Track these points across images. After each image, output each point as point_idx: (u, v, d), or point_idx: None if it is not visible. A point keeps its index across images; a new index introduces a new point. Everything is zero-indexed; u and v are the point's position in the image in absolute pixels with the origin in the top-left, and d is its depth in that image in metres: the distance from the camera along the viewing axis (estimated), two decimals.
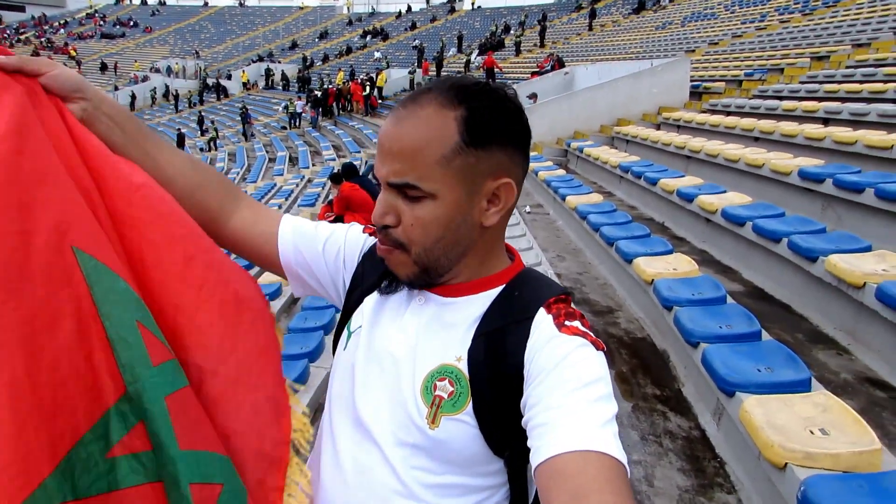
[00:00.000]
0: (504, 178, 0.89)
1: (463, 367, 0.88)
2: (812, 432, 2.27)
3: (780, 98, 9.75)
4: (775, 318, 4.04)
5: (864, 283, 3.35)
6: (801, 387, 2.59)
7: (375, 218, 0.88)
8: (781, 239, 4.30)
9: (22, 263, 0.68)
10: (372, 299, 1.02)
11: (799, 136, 7.04)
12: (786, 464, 2.14)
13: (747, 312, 3.34)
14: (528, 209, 8.37)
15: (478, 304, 0.93)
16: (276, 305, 6.00)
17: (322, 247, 1.09)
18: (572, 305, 0.93)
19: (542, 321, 0.87)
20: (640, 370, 3.79)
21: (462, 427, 0.86)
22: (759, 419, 2.34)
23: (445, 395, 0.87)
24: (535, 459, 0.75)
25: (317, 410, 3.87)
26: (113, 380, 0.75)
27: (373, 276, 1.04)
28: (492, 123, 0.86)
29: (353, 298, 1.06)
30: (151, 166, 0.96)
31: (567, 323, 0.86)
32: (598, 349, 0.84)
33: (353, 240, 1.10)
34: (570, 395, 0.78)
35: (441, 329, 0.92)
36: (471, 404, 0.86)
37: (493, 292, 0.93)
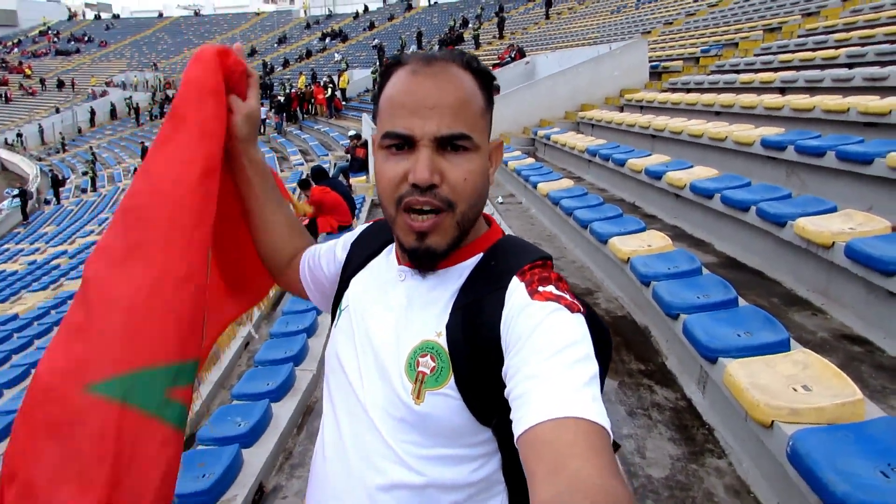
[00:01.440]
0: (496, 139, 0.97)
1: (443, 341, 0.89)
2: (795, 389, 2.32)
3: (737, 72, 9.91)
4: (750, 285, 4.11)
5: (833, 243, 3.42)
6: (781, 347, 2.64)
7: (423, 177, 0.84)
8: (749, 207, 4.38)
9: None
10: (359, 279, 1.07)
11: (758, 107, 7.17)
12: (772, 421, 2.18)
13: (723, 281, 3.40)
14: (500, 199, 8.41)
15: (456, 275, 0.94)
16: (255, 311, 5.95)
17: (322, 259, 1.19)
18: (552, 269, 0.94)
19: (516, 289, 0.88)
20: (623, 347, 3.83)
21: (446, 401, 0.88)
22: (743, 381, 2.38)
23: (428, 371, 0.89)
24: (516, 431, 0.75)
25: (305, 413, 3.85)
26: (195, 344, 1.02)
27: (360, 258, 1.10)
28: (491, 92, 0.95)
29: (343, 280, 1.11)
30: (264, 211, 1.24)
31: (540, 289, 0.86)
32: (573, 311, 0.83)
33: (346, 237, 1.18)
34: (545, 362, 0.77)
35: (422, 305, 0.94)
36: (452, 378, 0.88)
37: (471, 262, 0.95)
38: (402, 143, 0.86)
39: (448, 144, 0.86)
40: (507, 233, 1.03)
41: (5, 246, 19.28)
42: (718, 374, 2.65)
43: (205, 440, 3.25)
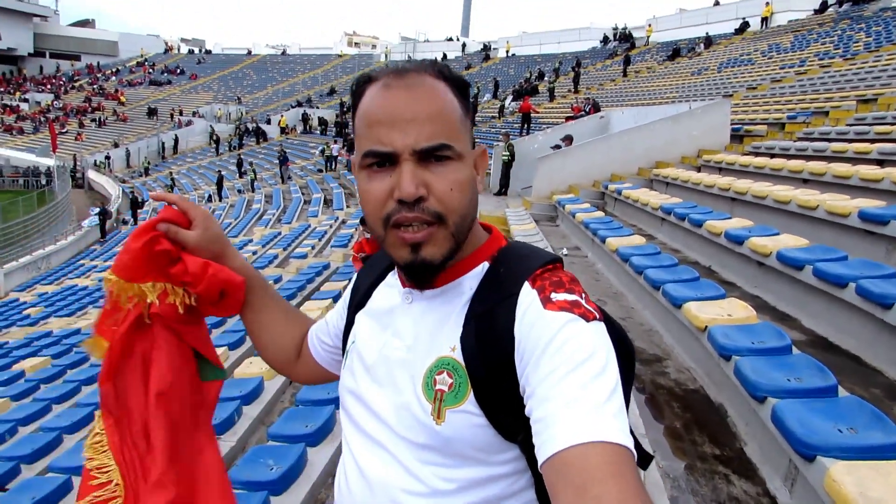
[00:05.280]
0: (479, 147, 0.93)
1: (458, 356, 0.86)
2: None
3: (828, 140, 9.41)
4: (844, 370, 3.65)
5: None
6: (895, 451, 2.24)
7: (408, 191, 0.81)
8: (848, 283, 3.94)
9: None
10: (365, 312, 1.04)
11: (854, 178, 6.68)
12: None
13: (819, 364, 3.00)
14: (565, 251, 8.10)
15: (463, 287, 0.91)
16: None
17: (332, 324, 1.16)
18: (563, 270, 0.90)
19: (527, 297, 0.84)
20: (695, 426, 3.44)
21: (467, 418, 0.85)
22: (850, 490, 2.00)
23: (446, 388, 0.86)
24: (539, 458, 0.73)
25: None
26: None
27: (363, 291, 1.06)
28: (468, 97, 0.92)
29: (349, 319, 1.07)
30: (255, 319, 1.20)
31: (553, 297, 0.83)
32: (588, 320, 0.80)
33: (350, 288, 1.13)
34: (562, 381, 0.75)
35: (432, 322, 0.91)
36: (472, 394, 0.85)
37: (477, 272, 0.92)
38: (383, 160, 0.84)
39: (430, 156, 0.83)
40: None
41: (81, 261, 20.11)
42: (817, 476, 2.27)
43: (233, 484, 3.05)
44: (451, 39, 58.85)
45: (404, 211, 0.82)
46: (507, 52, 48.00)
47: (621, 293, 6.11)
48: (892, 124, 8.92)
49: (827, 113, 11.55)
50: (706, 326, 3.76)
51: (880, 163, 7.35)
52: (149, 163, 37.68)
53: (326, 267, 10.25)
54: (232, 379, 4.85)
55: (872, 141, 8.33)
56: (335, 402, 3.95)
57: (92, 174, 37.16)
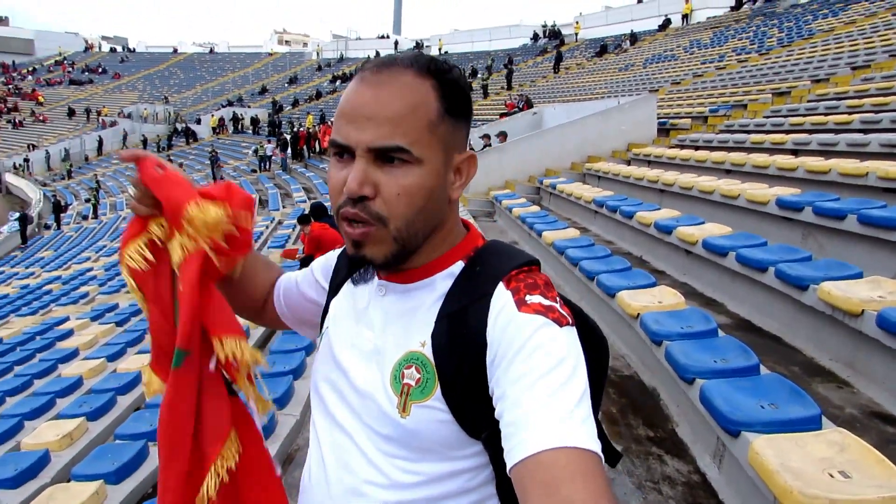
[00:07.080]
0: (468, 152, 0.91)
1: (427, 352, 0.87)
2: (832, 475, 2.05)
3: (748, 132, 9.86)
4: (767, 350, 3.86)
5: (863, 311, 3.18)
6: (811, 424, 2.38)
7: (352, 188, 0.81)
8: (768, 268, 4.15)
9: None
10: (338, 300, 1.04)
11: (771, 167, 7.03)
12: None
13: (742, 345, 3.15)
14: None
15: (438, 284, 0.91)
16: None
17: (300, 285, 1.15)
18: (539, 273, 0.90)
19: (501, 298, 0.84)
20: (630, 410, 3.56)
21: (432, 413, 0.85)
22: (772, 462, 2.11)
23: (413, 383, 0.87)
24: (508, 462, 0.74)
25: (285, 461, 3.56)
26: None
27: (339, 279, 1.06)
28: (461, 97, 0.88)
29: (326, 305, 1.07)
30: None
31: (528, 299, 0.83)
32: (561, 325, 0.81)
33: (324, 259, 1.13)
34: (533, 387, 0.75)
35: (404, 316, 0.92)
36: (439, 390, 0.85)
37: (453, 269, 0.92)
38: (341, 152, 0.85)
39: (384, 157, 0.82)
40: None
41: (1, 269, 19.03)
42: (741, 450, 2.38)
43: None
44: (383, 37, 58.57)
45: (348, 206, 0.83)
46: (440, 49, 48.08)
47: (558, 284, 6.24)
48: (804, 115, 9.43)
49: (745, 106, 12.09)
50: (638, 314, 3.89)
51: (795, 152, 7.76)
52: (71, 165, 35.93)
53: None
54: None
55: (787, 132, 8.78)
56: (293, 373, 3.98)
57: (10, 177, 35.13)
